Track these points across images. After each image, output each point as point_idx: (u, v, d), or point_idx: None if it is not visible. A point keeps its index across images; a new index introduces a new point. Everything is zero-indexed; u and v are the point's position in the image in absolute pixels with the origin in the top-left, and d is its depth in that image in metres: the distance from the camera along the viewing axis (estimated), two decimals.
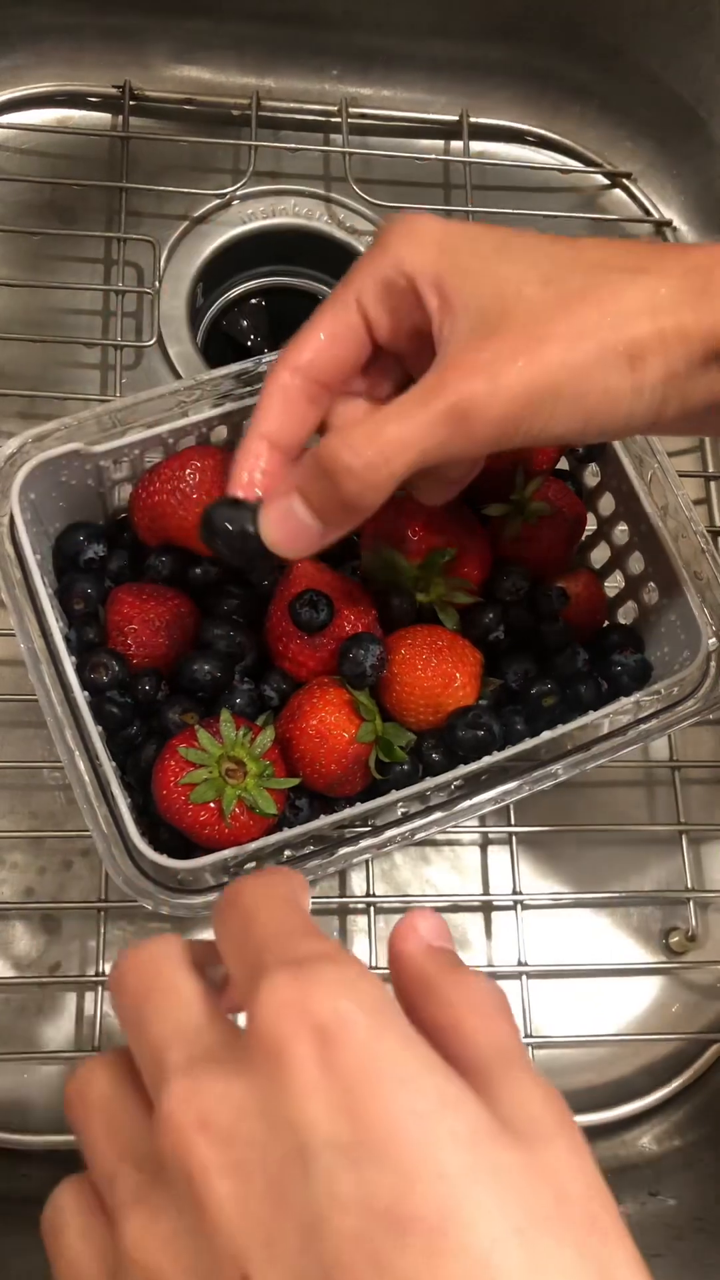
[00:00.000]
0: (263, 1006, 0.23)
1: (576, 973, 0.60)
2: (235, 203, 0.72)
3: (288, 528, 0.40)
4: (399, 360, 0.42)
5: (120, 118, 0.72)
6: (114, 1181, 0.24)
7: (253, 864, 0.46)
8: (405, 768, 0.49)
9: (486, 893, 0.60)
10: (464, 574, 0.51)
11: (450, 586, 0.51)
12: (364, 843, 0.46)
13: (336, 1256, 0.20)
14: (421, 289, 0.38)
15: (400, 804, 0.48)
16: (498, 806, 0.49)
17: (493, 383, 0.36)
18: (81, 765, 0.44)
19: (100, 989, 0.55)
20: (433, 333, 0.38)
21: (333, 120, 0.74)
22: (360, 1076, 0.22)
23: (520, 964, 0.58)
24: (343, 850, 0.46)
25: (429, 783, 0.47)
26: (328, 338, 0.40)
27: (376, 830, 0.47)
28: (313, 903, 0.58)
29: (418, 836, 0.48)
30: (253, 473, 0.41)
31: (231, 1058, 0.23)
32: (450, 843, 0.61)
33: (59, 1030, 0.56)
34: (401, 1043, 0.23)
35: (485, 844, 0.61)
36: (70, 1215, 0.25)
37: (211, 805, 0.44)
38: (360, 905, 0.59)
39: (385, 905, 0.59)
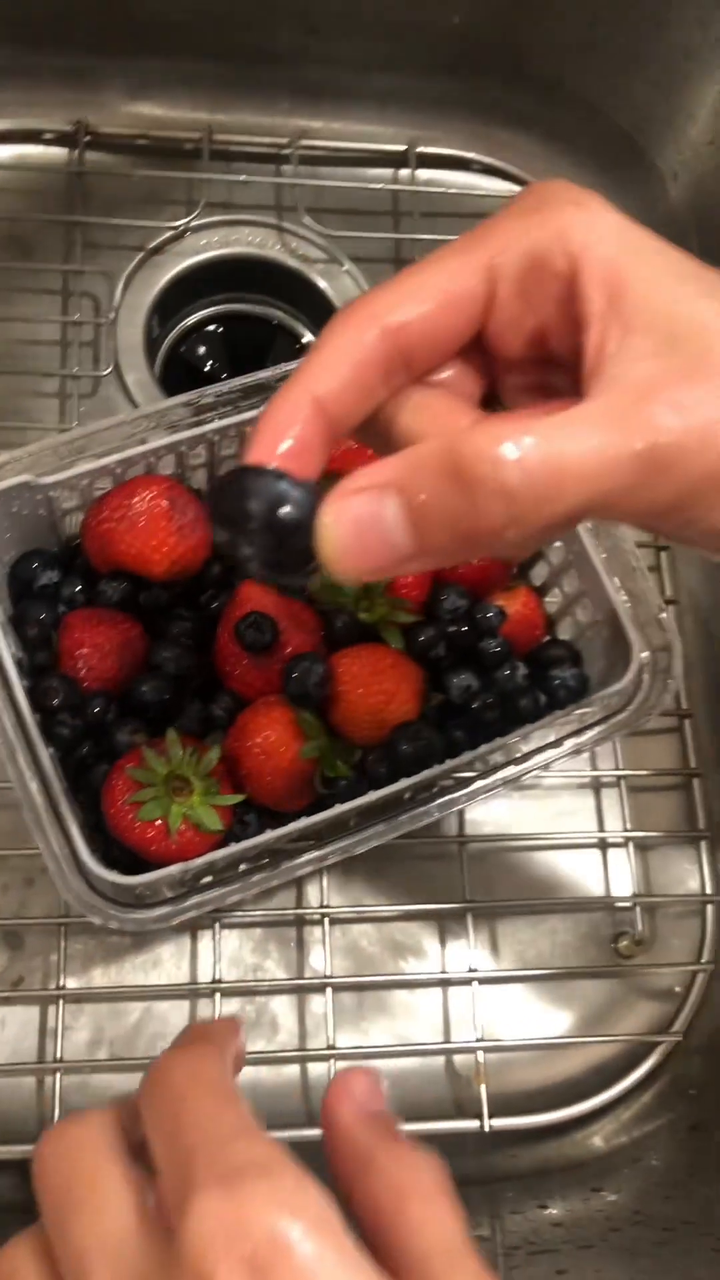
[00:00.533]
0: (191, 1233, 0.21)
1: (527, 978, 0.61)
2: (189, 234, 0.74)
3: (366, 538, 0.28)
4: (488, 361, 0.33)
5: (76, 154, 0.73)
6: None
7: (208, 878, 0.48)
8: (347, 782, 0.50)
9: (440, 901, 0.62)
10: (405, 594, 0.53)
11: (392, 606, 0.53)
12: (308, 855, 0.48)
13: None
14: (585, 281, 0.29)
15: (351, 817, 0.50)
16: (441, 816, 0.51)
17: (709, 432, 0.27)
18: (33, 786, 0.46)
19: (62, 1002, 0.57)
20: (584, 342, 0.29)
21: (283, 152, 0.76)
22: None
23: (470, 970, 0.60)
24: (287, 864, 0.48)
25: (371, 796, 0.49)
26: (438, 300, 0.30)
27: (322, 843, 0.49)
28: (269, 915, 0.60)
29: (365, 848, 0.49)
30: (292, 436, 0.30)
31: None
32: (405, 852, 0.63)
33: (23, 1043, 0.57)
34: (343, 1266, 0.21)
35: (438, 853, 0.63)
36: None
37: (158, 822, 0.46)
38: (316, 916, 0.60)
39: (340, 916, 0.61)
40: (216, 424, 0.53)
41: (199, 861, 0.46)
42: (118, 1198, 0.24)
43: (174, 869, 0.46)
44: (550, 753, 0.51)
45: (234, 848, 0.47)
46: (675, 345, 0.28)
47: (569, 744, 0.51)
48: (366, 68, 0.76)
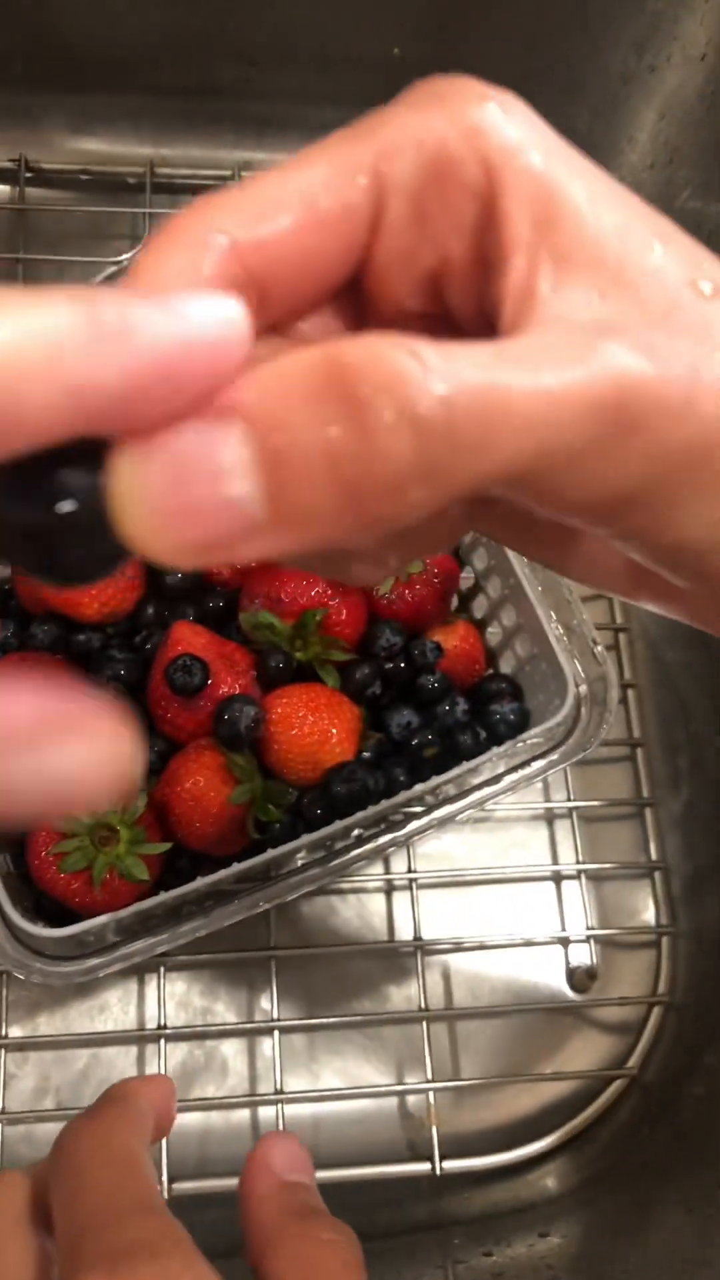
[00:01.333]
0: None
1: (478, 1014, 0.61)
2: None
3: (192, 494, 0.17)
4: (361, 315, 0.23)
5: (17, 189, 0.73)
6: None
7: (130, 930, 0.47)
8: (281, 825, 0.50)
9: (390, 939, 0.61)
10: (339, 632, 0.52)
11: (325, 645, 0.52)
12: (238, 901, 0.47)
13: None
14: (507, 198, 0.20)
15: (297, 856, 0.49)
16: (379, 856, 0.50)
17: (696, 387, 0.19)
18: None
19: (5, 1050, 0.56)
20: (503, 282, 0.21)
21: (228, 184, 0.76)
22: None
23: (422, 1009, 0.59)
24: (218, 910, 0.47)
25: (305, 839, 0.48)
26: (308, 213, 0.21)
27: (256, 888, 0.48)
28: (215, 956, 0.59)
29: (297, 894, 0.49)
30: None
31: None
32: (356, 890, 0.62)
33: None
34: None
35: (389, 890, 0.62)
36: None
37: (82, 874, 0.45)
38: (262, 957, 0.59)
39: (288, 956, 0.60)
40: None
41: (126, 912, 0.45)
42: (19, 1265, 0.24)
43: (100, 920, 0.45)
44: (490, 789, 0.51)
45: (161, 897, 0.46)
46: (630, 292, 0.20)
47: (508, 779, 0.51)
48: (308, 99, 0.75)
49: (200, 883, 0.46)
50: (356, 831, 0.49)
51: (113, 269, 0.73)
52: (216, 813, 0.48)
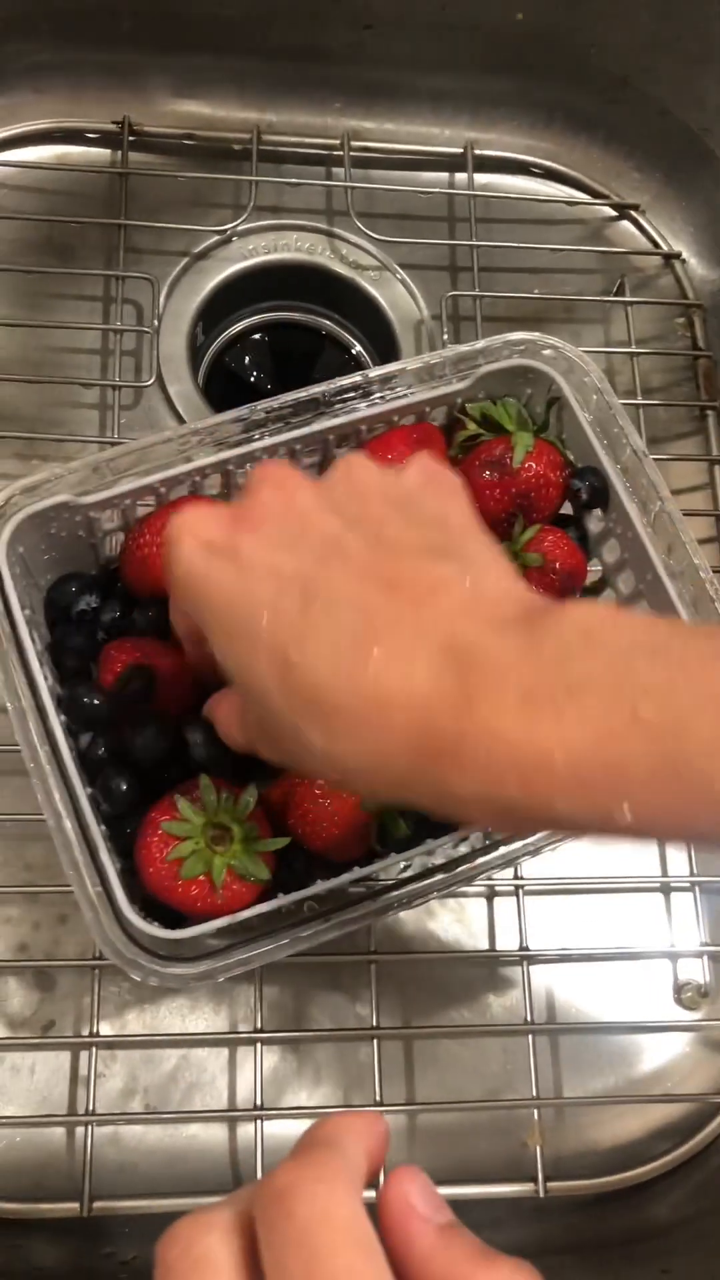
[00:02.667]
0: None
1: (585, 1029, 0.58)
2: (236, 239, 0.71)
3: None
4: None
5: (119, 154, 0.71)
6: None
7: (247, 933, 0.45)
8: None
9: (493, 948, 0.59)
10: None
11: None
12: (362, 908, 0.45)
13: None
14: None
15: (396, 868, 0.46)
16: (511, 864, 0.47)
17: None
18: (69, 828, 0.43)
19: (95, 1049, 0.54)
20: None
21: (335, 154, 0.73)
22: None
23: (527, 1022, 0.56)
24: (340, 916, 0.45)
25: (429, 844, 0.46)
26: None
27: (375, 894, 0.46)
28: (313, 959, 0.57)
29: (423, 901, 0.46)
30: None
31: None
32: (454, 895, 0.60)
33: (53, 1092, 0.54)
34: None
35: (491, 896, 0.60)
36: None
37: (202, 878, 0.42)
38: (362, 962, 0.57)
39: (388, 962, 0.57)
40: (265, 441, 0.50)
41: (247, 914, 0.43)
42: None
43: (220, 922, 0.42)
44: None
45: (285, 899, 0.43)
46: None
47: None
48: (423, 66, 0.72)
49: (326, 884, 0.44)
50: (486, 840, 0.47)
51: (215, 238, 0.71)
52: (347, 813, 0.45)
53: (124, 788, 0.44)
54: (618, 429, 0.51)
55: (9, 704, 0.44)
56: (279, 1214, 0.23)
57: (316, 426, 0.51)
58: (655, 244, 0.75)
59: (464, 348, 0.52)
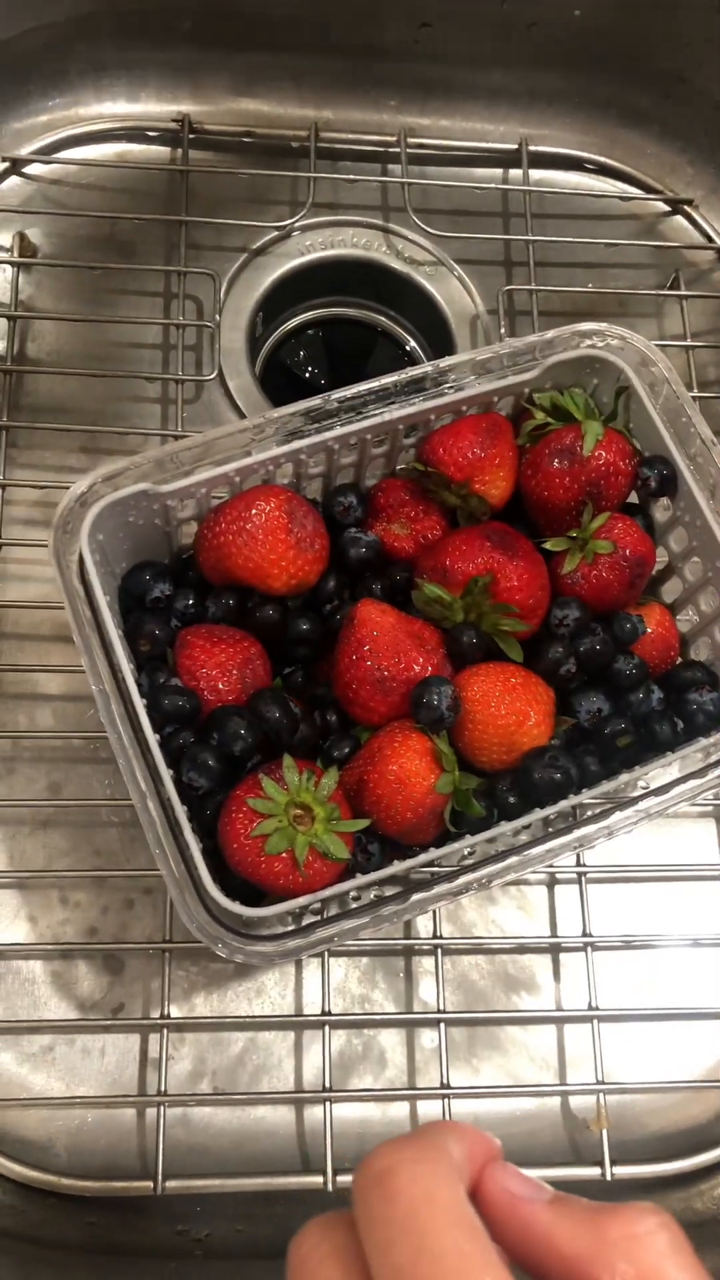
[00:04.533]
0: None
1: (649, 1016, 0.58)
2: (294, 234, 0.72)
3: None
4: None
5: (179, 151, 0.72)
6: None
7: (326, 912, 0.46)
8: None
9: (555, 934, 0.59)
10: (510, 598, 0.50)
11: (498, 611, 0.49)
12: (438, 889, 0.45)
13: None
14: None
15: (472, 849, 0.47)
16: (575, 850, 0.48)
17: None
18: (153, 808, 0.44)
19: (166, 1030, 0.55)
20: None
21: (391, 150, 0.74)
22: None
23: (591, 1008, 0.56)
24: (416, 897, 0.45)
25: (504, 827, 0.46)
26: None
27: (450, 875, 0.46)
28: (378, 944, 0.58)
29: (500, 881, 0.47)
30: None
31: None
32: (517, 882, 0.60)
33: (123, 1074, 0.55)
34: None
35: (553, 883, 0.60)
36: None
37: (284, 855, 0.43)
38: (427, 947, 0.58)
39: (453, 947, 0.58)
40: (337, 431, 0.51)
41: (327, 892, 0.43)
42: None
43: (301, 900, 0.43)
44: (694, 783, 0.48)
45: (364, 879, 0.44)
46: None
47: (713, 775, 0.48)
48: (478, 63, 0.73)
49: (402, 865, 0.44)
50: (561, 824, 0.47)
51: (274, 234, 0.71)
52: (421, 799, 0.45)
53: (212, 763, 0.45)
54: (685, 419, 0.52)
55: (93, 686, 0.45)
56: (379, 1197, 0.23)
57: (386, 416, 0.51)
58: (709, 239, 0.75)
59: (532, 338, 0.53)
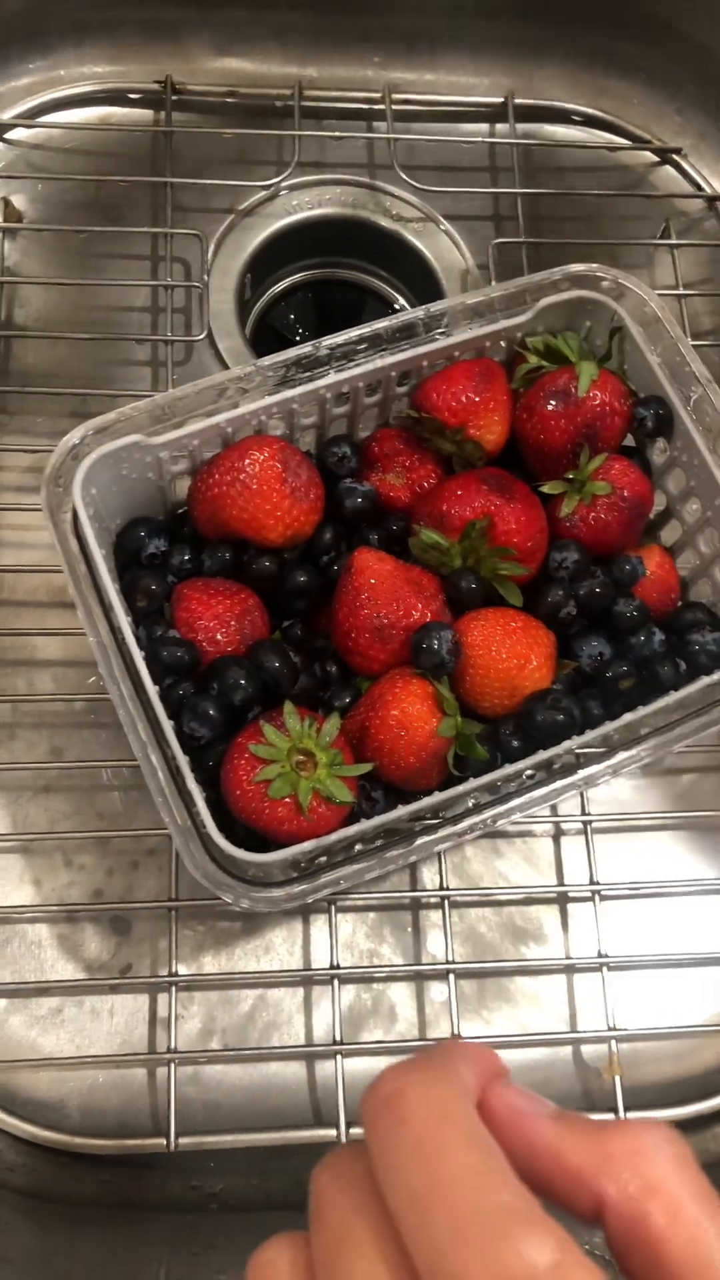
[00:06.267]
0: None
1: (658, 963, 0.58)
2: (281, 194, 0.71)
3: None
4: None
5: (163, 113, 0.71)
6: None
7: (333, 857, 0.45)
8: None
9: (562, 883, 0.59)
10: (508, 541, 0.49)
11: (496, 555, 0.49)
12: (443, 831, 0.45)
13: None
14: None
15: (476, 792, 0.47)
16: (578, 791, 0.48)
17: None
18: (155, 759, 0.44)
19: (174, 988, 0.54)
20: None
21: (376, 107, 0.73)
22: None
23: (600, 955, 0.56)
24: (422, 840, 0.45)
25: (508, 769, 0.46)
26: None
27: (454, 819, 0.46)
28: (385, 898, 0.57)
29: (497, 824, 0.46)
30: None
31: None
32: (523, 834, 0.60)
33: (133, 1033, 0.55)
34: None
35: (558, 834, 0.60)
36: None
37: (288, 800, 0.43)
38: (434, 899, 0.57)
39: (460, 899, 0.58)
40: (328, 379, 0.50)
41: (333, 837, 0.43)
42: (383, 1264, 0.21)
43: (305, 845, 0.43)
44: (694, 721, 0.48)
45: (365, 824, 0.44)
46: None
47: (717, 711, 0.48)
48: (461, 13, 0.73)
49: (406, 809, 0.44)
50: (566, 762, 0.47)
51: (260, 194, 0.71)
52: (423, 743, 0.45)
53: (212, 712, 0.45)
54: (679, 357, 0.51)
55: (90, 639, 0.45)
56: (391, 1121, 0.22)
57: (379, 363, 0.51)
58: (699, 187, 0.75)
59: (523, 281, 0.52)
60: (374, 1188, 0.22)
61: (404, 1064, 0.24)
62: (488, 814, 0.46)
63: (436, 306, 0.52)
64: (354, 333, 0.51)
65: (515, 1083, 0.25)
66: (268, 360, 0.50)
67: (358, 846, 0.47)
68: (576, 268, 0.52)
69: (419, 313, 0.51)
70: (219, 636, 0.48)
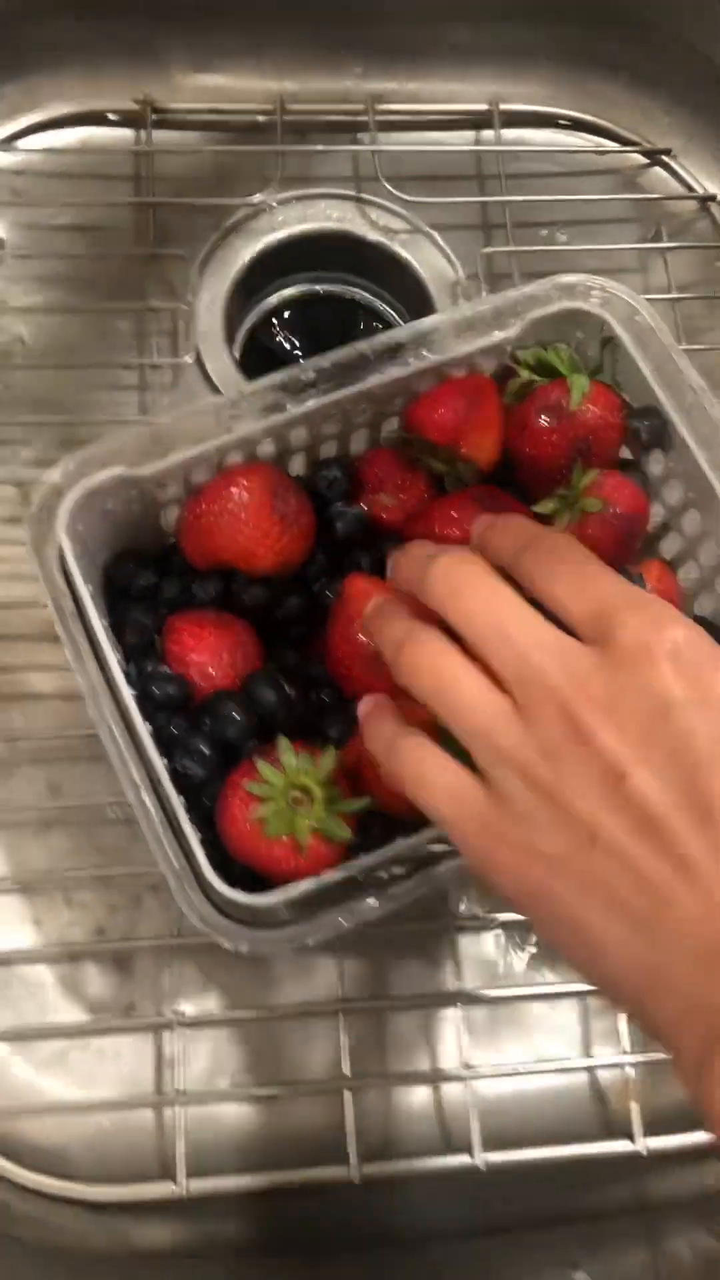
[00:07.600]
0: (628, 635, 0.32)
1: None
2: (266, 211, 0.70)
3: None
4: None
5: (143, 133, 0.70)
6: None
7: (334, 895, 0.44)
8: None
9: None
10: None
11: None
12: (447, 864, 0.44)
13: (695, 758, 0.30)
14: None
15: None
16: None
17: None
18: (148, 801, 0.43)
19: (180, 1029, 0.53)
20: None
21: (359, 119, 0.72)
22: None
23: None
24: (424, 873, 0.44)
25: None
26: None
27: (457, 851, 0.45)
28: (390, 926, 0.56)
29: None
30: None
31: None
32: None
33: (139, 1075, 0.54)
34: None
35: None
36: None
37: (285, 839, 0.42)
38: (441, 927, 0.56)
39: (470, 926, 0.57)
40: (314, 403, 0.49)
41: (334, 875, 0.42)
42: (536, 620, 0.34)
43: (305, 884, 0.42)
44: None
45: (369, 859, 0.43)
46: None
47: None
48: (441, 20, 0.72)
49: (406, 842, 0.43)
50: None
51: (245, 211, 0.70)
52: None
53: (205, 750, 0.44)
54: (673, 366, 0.50)
55: (79, 680, 0.44)
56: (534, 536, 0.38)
57: (367, 384, 0.50)
58: (690, 188, 0.74)
59: (512, 293, 0.51)
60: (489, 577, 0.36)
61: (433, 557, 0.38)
62: None
63: (424, 324, 0.51)
64: (338, 355, 0.49)
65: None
66: (253, 386, 0.49)
67: (358, 882, 0.46)
68: (565, 278, 0.51)
69: (407, 331, 0.50)
70: (211, 670, 0.47)
